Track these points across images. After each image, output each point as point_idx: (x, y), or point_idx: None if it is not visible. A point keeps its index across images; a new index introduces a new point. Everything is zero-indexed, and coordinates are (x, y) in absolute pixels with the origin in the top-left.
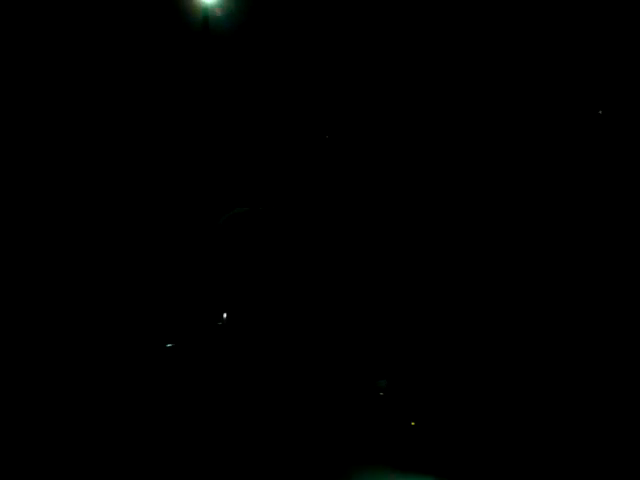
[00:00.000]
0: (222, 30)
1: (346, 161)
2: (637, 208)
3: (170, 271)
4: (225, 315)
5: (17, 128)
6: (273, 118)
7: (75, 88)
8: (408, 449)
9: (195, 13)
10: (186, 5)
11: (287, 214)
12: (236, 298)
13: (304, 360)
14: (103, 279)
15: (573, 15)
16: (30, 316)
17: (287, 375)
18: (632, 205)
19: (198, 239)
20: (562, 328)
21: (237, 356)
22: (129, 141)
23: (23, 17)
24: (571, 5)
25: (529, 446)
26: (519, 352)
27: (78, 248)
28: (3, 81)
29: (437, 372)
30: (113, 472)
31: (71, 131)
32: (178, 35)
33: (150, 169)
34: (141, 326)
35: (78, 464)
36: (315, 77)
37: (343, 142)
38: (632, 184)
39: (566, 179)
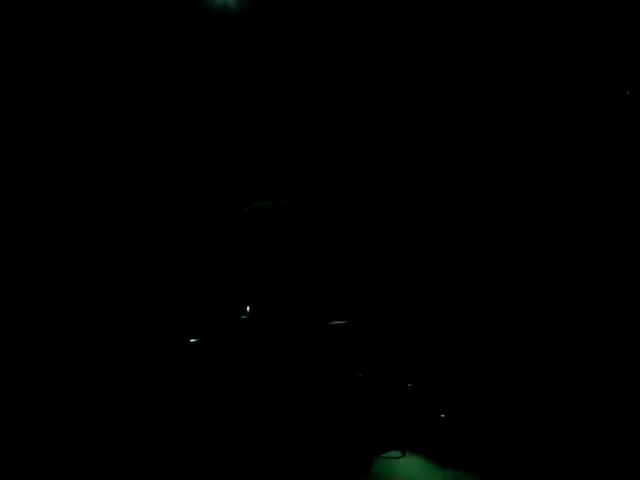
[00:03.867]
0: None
1: (365, 158)
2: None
3: (192, 265)
4: (248, 308)
5: (15, 117)
6: (293, 111)
7: (80, 79)
8: (437, 441)
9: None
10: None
11: (310, 208)
12: (259, 292)
13: (325, 353)
14: (122, 273)
15: (573, 15)
16: (44, 308)
17: (308, 367)
18: (632, 205)
19: (218, 233)
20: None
21: (261, 350)
22: (144, 134)
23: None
24: (571, 5)
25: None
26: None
27: (95, 240)
28: (3, 72)
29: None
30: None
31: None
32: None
33: (167, 162)
34: (163, 322)
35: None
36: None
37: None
38: (632, 184)
39: (566, 179)
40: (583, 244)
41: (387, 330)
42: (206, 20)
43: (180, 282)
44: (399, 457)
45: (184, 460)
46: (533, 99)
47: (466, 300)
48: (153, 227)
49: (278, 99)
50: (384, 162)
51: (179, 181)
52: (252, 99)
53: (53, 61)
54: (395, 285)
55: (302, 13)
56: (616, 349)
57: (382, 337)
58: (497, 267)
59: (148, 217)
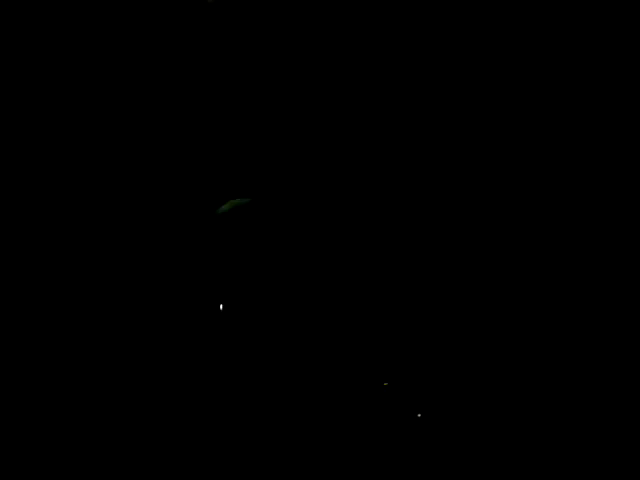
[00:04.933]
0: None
1: (352, 153)
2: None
3: (164, 264)
4: (222, 307)
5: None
6: (274, 103)
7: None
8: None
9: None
10: None
11: (292, 205)
12: (236, 291)
13: (306, 355)
14: (93, 276)
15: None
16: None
17: (289, 369)
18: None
19: (194, 230)
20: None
21: (238, 349)
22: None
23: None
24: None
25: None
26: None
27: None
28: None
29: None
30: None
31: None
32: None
33: (138, 156)
34: (137, 323)
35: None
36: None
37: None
38: (632, 184)
39: (566, 178)
40: (583, 244)
41: (371, 328)
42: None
43: (152, 281)
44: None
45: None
46: (533, 99)
47: (453, 296)
48: (118, 226)
49: (254, 87)
50: (371, 156)
51: (144, 175)
52: (225, 88)
53: (39, 58)
54: (384, 284)
55: (291, 9)
56: (613, 350)
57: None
58: (490, 265)
59: (114, 216)
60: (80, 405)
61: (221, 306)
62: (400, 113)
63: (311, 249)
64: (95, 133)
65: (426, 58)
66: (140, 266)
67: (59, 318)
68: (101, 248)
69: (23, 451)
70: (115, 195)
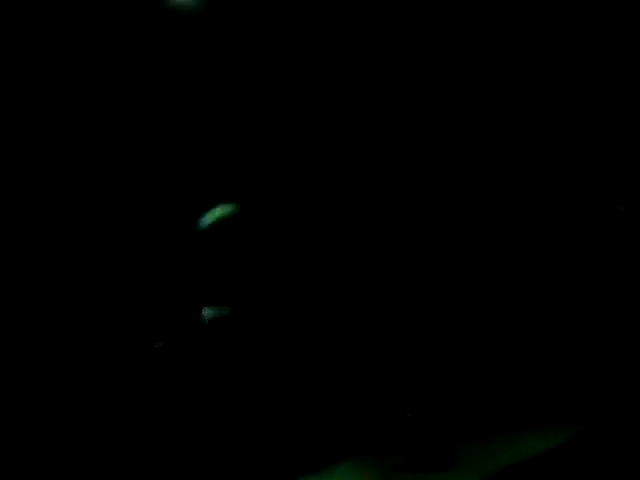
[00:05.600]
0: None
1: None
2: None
3: (149, 267)
4: (206, 311)
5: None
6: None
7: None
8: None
9: None
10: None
11: (279, 212)
12: (224, 294)
13: (298, 357)
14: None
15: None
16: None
17: (280, 372)
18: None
19: (176, 241)
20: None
21: (227, 354)
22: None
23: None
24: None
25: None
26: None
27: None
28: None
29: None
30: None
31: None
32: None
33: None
34: (123, 326)
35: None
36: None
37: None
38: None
39: (566, 177)
40: (582, 244)
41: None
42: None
43: (138, 285)
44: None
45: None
46: (533, 99)
47: (448, 294)
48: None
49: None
50: (360, 159)
51: (129, 180)
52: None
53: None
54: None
55: (288, 10)
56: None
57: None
58: (486, 266)
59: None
60: (79, 404)
61: (204, 311)
62: (397, 117)
63: (294, 255)
64: (84, 141)
65: (426, 60)
66: (123, 270)
67: (50, 322)
68: (89, 250)
69: (23, 449)
70: (101, 202)
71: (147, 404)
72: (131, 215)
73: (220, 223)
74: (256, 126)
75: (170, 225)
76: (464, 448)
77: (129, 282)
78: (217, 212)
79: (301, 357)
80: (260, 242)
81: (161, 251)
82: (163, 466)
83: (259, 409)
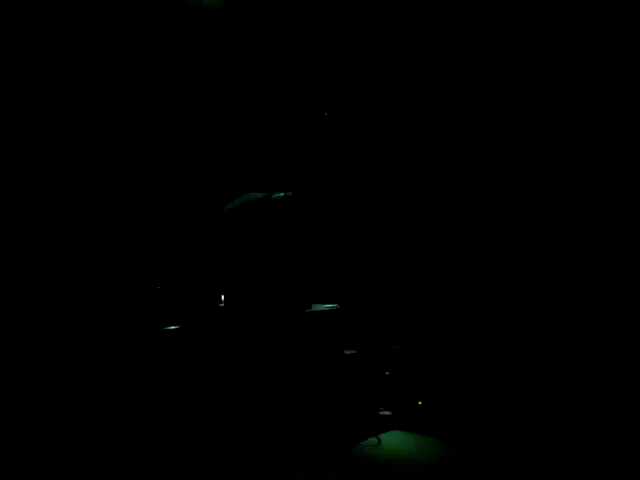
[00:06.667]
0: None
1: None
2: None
3: (171, 254)
4: (224, 297)
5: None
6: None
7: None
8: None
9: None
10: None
11: (306, 204)
12: (241, 283)
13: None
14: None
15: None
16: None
17: (289, 360)
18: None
19: (203, 223)
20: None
21: (241, 340)
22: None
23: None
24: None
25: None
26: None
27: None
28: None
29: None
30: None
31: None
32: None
33: (149, 149)
34: (138, 310)
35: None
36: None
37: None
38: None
39: (566, 178)
40: (582, 244)
41: (372, 316)
42: (194, 14)
43: (157, 270)
44: (376, 444)
45: (160, 459)
46: (533, 99)
47: (455, 289)
48: (130, 215)
49: (274, 87)
50: (382, 156)
51: (161, 169)
52: (244, 87)
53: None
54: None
55: (298, 8)
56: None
57: (366, 323)
58: (487, 262)
59: (126, 205)
60: (79, 403)
61: (222, 297)
62: (404, 117)
63: (318, 245)
64: (110, 135)
65: (427, 62)
66: (146, 259)
67: (62, 314)
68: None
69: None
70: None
71: (153, 389)
72: (157, 198)
73: (247, 209)
74: (287, 119)
75: (195, 209)
76: None
77: (149, 264)
78: (244, 198)
79: (309, 351)
80: (288, 228)
81: (184, 235)
82: (162, 463)
83: (261, 402)
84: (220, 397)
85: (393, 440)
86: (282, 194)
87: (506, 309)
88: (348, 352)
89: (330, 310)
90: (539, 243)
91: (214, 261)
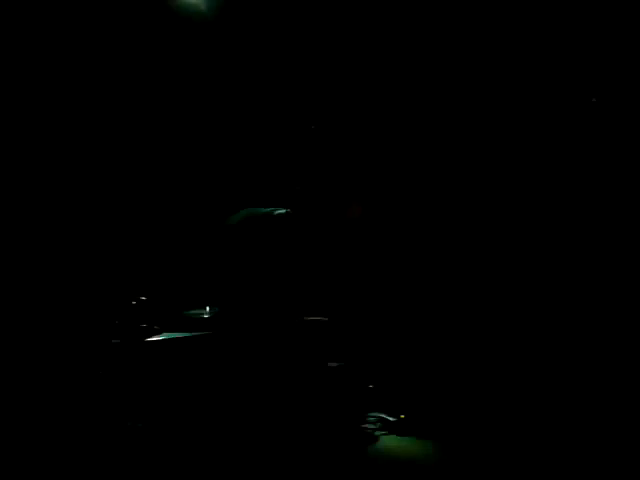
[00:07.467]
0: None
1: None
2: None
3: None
4: (208, 308)
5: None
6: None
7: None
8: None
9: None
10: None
11: (307, 220)
12: (235, 293)
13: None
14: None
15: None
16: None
17: (280, 368)
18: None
19: (200, 236)
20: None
21: (230, 350)
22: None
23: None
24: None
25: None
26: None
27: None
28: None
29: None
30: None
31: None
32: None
33: (153, 161)
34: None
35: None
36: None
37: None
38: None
39: (566, 177)
40: (581, 244)
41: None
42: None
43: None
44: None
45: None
46: (533, 99)
47: (449, 295)
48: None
49: (275, 95)
50: (382, 168)
51: (161, 181)
52: (245, 96)
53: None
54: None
55: (298, 10)
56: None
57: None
58: (482, 265)
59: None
60: (78, 402)
61: (207, 308)
62: (401, 118)
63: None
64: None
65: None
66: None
67: (61, 315)
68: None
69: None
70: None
71: (141, 396)
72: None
73: (250, 224)
74: (289, 135)
75: (192, 221)
76: None
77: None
78: (246, 213)
79: (302, 358)
80: (287, 244)
81: (182, 246)
82: (161, 463)
83: (254, 406)
84: (205, 407)
85: (383, 445)
86: (284, 210)
87: (491, 320)
88: (333, 364)
89: (319, 321)
90: (522, 263)
91: (211, 272)
